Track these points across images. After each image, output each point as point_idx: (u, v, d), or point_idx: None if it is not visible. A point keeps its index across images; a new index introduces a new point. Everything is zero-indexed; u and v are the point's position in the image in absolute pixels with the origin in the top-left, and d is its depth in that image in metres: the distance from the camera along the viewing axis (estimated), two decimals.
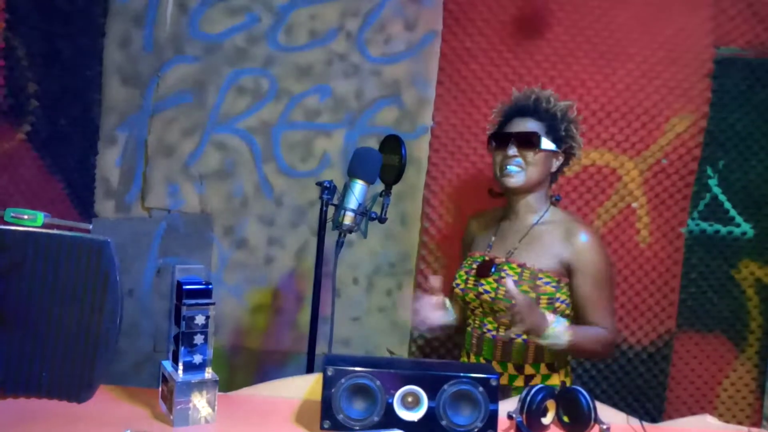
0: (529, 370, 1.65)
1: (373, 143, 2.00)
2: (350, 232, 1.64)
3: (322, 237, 1.67)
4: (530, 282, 1.62)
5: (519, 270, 1.65)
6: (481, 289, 1.67)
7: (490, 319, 1.68)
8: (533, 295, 1.61)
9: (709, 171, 2.17)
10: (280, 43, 2.25)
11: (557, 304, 1.63)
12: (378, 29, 2.24)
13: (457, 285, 1.74)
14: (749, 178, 2.17)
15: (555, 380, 1.67)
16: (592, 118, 2.16)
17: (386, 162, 1.72)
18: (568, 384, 1.71)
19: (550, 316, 1.53)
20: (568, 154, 1.74)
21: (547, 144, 1.67)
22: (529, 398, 1.32)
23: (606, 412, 1.37)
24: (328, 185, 1.67)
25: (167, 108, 2.25)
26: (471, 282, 1.70)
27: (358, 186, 1.64)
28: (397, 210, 2.24)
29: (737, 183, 2.17)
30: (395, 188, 1.76)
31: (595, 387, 2.20)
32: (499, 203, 1.82)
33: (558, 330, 1.52)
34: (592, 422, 1.30)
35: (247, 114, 2.26)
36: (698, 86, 2.13)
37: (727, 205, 2.19)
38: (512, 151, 1.66)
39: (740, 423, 2.17)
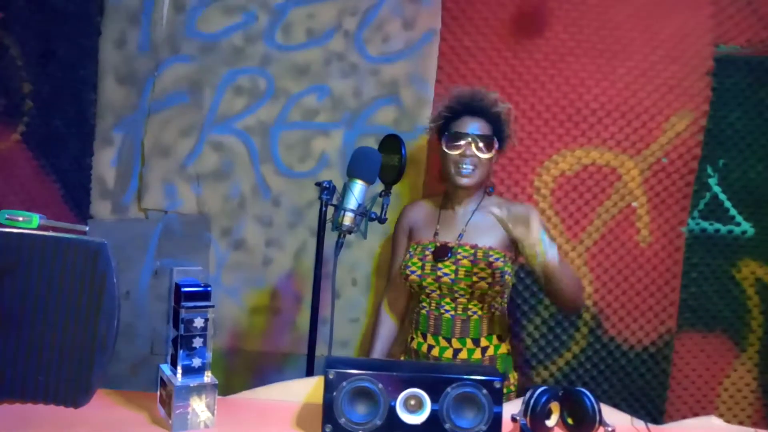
0: (484, 342, 1.80)
1: (372, 143, 1.99)
2: (350, 232, 1.62)
3: (322, 238, 1.65)
4: (484, 260, 1.76)
5: (472, 251, 1.79)
6: (440, 273, 1.78)
7: (447, 300, 1.79)
8: (489, 271, 1.75)
9: (710, 170, 2.17)
10: (278, 43, 2.23)
11: (507, 277, 1.78)
12: (376, 28, 2.23)
13: (413, 272, 1.81)
14: (749, 176, 2.16)
15: (503, 349, 1.83)
16: (592, 117, 2.15)
17: (386, 162, 1.71)
18: (510, 352, 1.87)
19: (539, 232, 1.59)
20: (503, 150, 1.89)
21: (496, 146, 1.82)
22: (533, 400, 1.31)
23: (610, 414, 1.35)
24: (327, 185, 1.65)
25: (164, 108, 2.23)
26: (428, 267, 1.79)
27: (358, 186, 1.62)
28: (396, 210, 2.22)
29: (737, 182, 2.17)
30: (395, 188, 1.75)
31: (596, 387, 2.19)
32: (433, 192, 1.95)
33: (547, 242, 1.58)
34: (597, 424, 1.29)
35: (245, 114, 2.24)
36: (698, 84, 2.13)
37: (728, 204, 2.18)
38: (469, 151, 1.78)
39: (741, 423, 2.16)
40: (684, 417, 1.93)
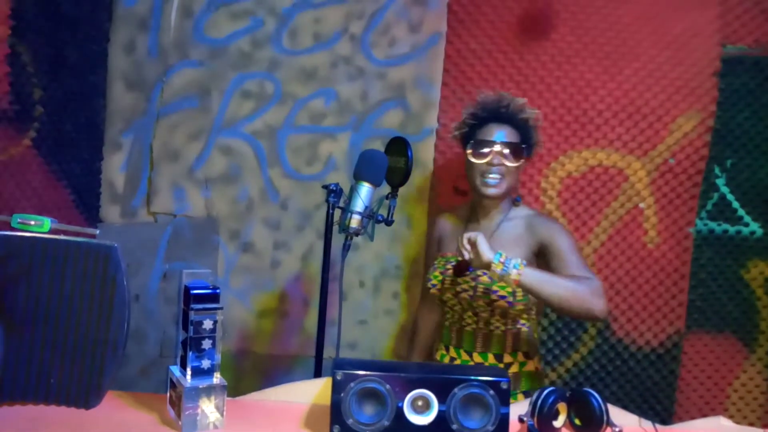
0: (507, 358, 1.74)
1: (379, 146, 2.00)
2: (357, 235, 1.63)
3: (329, 240, 1.66)
4: None
5: None
6: (458, 288, 1.74)
7: (469, 313, 1.75)
8: (509, 290, 1.68)
9: (717, 170, 2.16)
10: (285, 47, 2.25)
11: (530, 296, 1.68)
12: (382, 32, 2.24)
13: (434, 285, 1.79)
14: (758, 177, 2.15)
15: (530, 366, 1.75)
16: (599, 118, 2.15)
17: (392, 164, 1.72)
18: (540, 369, 1.80)
19: (490, 254, 1.56)
20: (531, 157, 1.83)
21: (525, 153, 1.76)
22: (540, 401, 1.31)
23: (618, 415, 1.35)
24: (334, 188, 1.66)
25: (172, 113, 2.25)
26: (448, 282, 1.76)
27: (365, 189, 1.63)
28: (403, 212, 2.23)
29: (746, 182, 2.16)
30: (401, 190, 1.75)
31: (604, 389, 2.19)
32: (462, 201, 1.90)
33: (504, 264, 1.55)
34: (604, 425, 1.29)
35: (253, 118, 2.26)
36: (705, 85, 2.12)
37: (736, 204, 2.17)
38: (497, 160, 1.71)
39: (751, 424, 2.15)
40: (693, 418, 1.92)
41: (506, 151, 1.71)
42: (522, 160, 1.74)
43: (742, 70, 2.12)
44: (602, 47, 2.14)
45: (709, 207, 2.17)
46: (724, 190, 2.16)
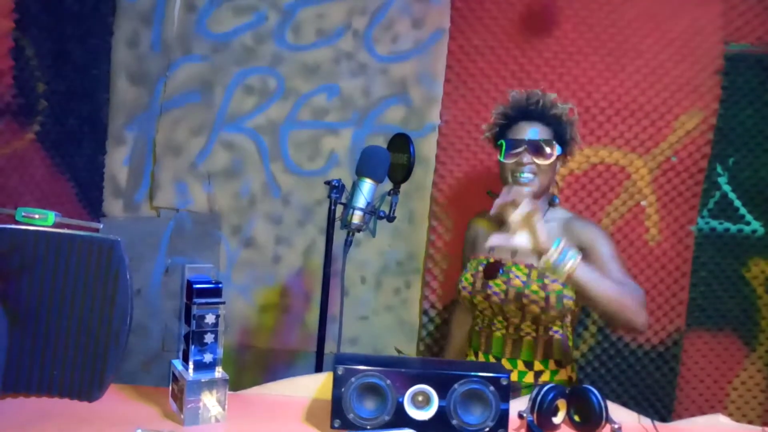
0: (538, 366, 1.67)
1: (381, 142, 2.00)
2: (359, 230, 1.64)
3: (331, 236, 1.67)
4: (539, 281, 1.64)
5: (527, 271, 1.66)
6: (489, 291, 1.69)
7: (499, 318, 1.70)
8: (542, 294, 1.62)
9: (719, 169, 2.16)
10: (288, 42, 2.25)
11: (565, 301, 1.63)
12: (385, 27, 2.24)
13: (464, 288, 1.75)
14: (760, 175, 2.15)
15: (563, 375, 1.69)
16: (601, 116, 2.15)
17: (394, 160, 1.72)
18: (574, 379, 1.73)
19: (549, 239, 1.42)
20: (568, 155, 1.76)
21: (557, 150, 1.68)
22: (539, 397, 1.31)
23: (617, 412, 1.36)
24: (336, 184, 1.66)
25: (175, 107, 2.25)
26: (479, 285, 1.71)
27: (367, 185, 1.63)
28: (405, 208, 2.24)
29: (747, 181, 2.15)
30: (403, 187, 1.76)
31: (604, 386, 2.19)
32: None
33: (562, 252, 1.41)
34: (604, 421, 1.29)
35: (255, 113, 2.26)
36: (708, 83, 2.12)
37: (737, 203, 2.17)
38: (527, 158, 1.65)
39: (751, 422, 2.14)
40: (693, 416, 1.92)
41: (537, 149, 1.65)
42: (554, 158, 1.66)
43: (745, 67, 2.11)
44: (605, 44, 2.13)
45: (710, 205, 2.17)
46: (726, 188, 2.16)
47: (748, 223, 2.17)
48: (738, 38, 2.11)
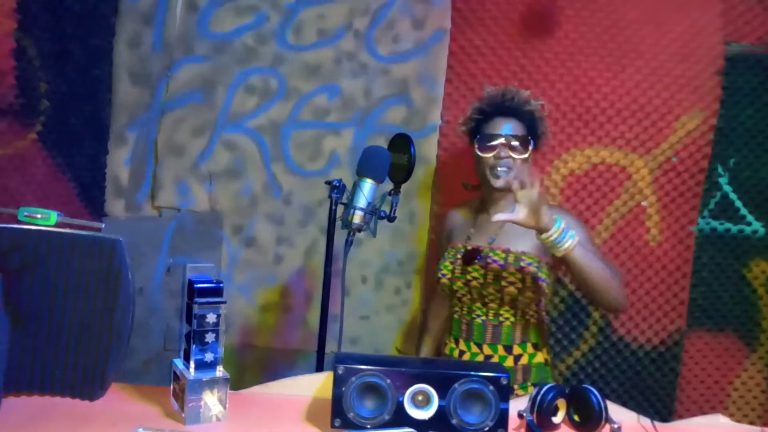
0: (517, 350, 1.76)
1: (382, 142, 2.00)
2: (359, 230, 1.64)
3: (332, 236, 1.67)
4: (515, 264, 1.72)
5: (504, 255, 1.75)
6: (469, 277, 1.76)
7: (478, 304, 1.77)
8: (519, 276, 1.70)
9: (720, 169, 2.16)
10: (289, 42, 2.25)
11: (539, 283, 1.71)
12: (386, 28, 2.24)
13: (444, 275, 1.81)
14: (760, 176, 2.15)
15: (540, 358, 1.77)
16: (602, 116, 2.15)
17: (395, 161, 1.72)
18: (549, 362, 1.82)
19: (552, 218, 1.54)
20: (538, 149, 1.85)
21: (531, 145, 1.77)
22: (539, 397, 1.32)
23: (617, 412, 1.36)
24: (337, 184, 1.67)
25: (177, 107, 2.26)
26: (458, 271, 1.78)
27: (367, 185, 1.63)
28: (405, 209, 2.24)
29: (748, 181, 2.16)
30: (404, 187, 1.76)
31: (604, 386, 2.19)
32: (472, 195, 1.93)
33: (563, 232, 1.54)
34: (603, 421, 1.30)
35: (257, 113, 2.27)
36: (709, 83, 2.12)
37: (738, 203, 2.17)
38: (504, 152, 1.74)
39: (752, 423, 2.15)
40: (693, 417, 1.92)
41: (513, 143, 1.74)
42: (529, 152, 1.76)
43: (745, 68, 2.12)
44: (606, 45, 2.14)
45: (711, 206, 2.17)
46: (727, 189, 2.17)
47: (749, 224, 2.17)
48: (738, 38, 2.11)
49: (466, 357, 1.78)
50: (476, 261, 1.75)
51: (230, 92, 2.26)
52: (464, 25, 2.20)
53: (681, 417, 2.16)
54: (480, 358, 1.76)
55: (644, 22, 2.12)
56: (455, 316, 1.83)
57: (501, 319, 1.75)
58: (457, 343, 1.81)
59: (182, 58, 2.25)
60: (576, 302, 2.20)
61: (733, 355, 2.21)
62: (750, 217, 2.17)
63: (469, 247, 1.79)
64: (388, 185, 1.72)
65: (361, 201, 1.62)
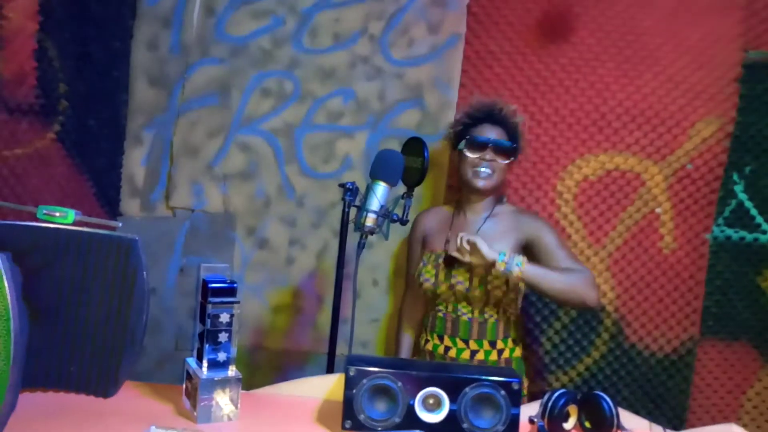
0: (500, 344, 1.85)
1: (396, 145, 2.01)
2: (372, 233, 1.64)
3: (344, 238, 1.68)
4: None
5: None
6: (454, 281, 1.82)
7: (464, 303, 1.84)
8: (503, 279, 1.79)
9: (735, 177, 2.14)
10: (305, 46, 2.27)
11: (521, 284, 1.81)
12: (401, 32, 2.25)
13: (427, 280, 1.86)
14: None
15: (518, 353, 1.88)
16: (617, 122, 2.14)
17: (408, 164, 1.73)
18: (525, 356, 1.94)
19: (494, 254, 1.68)
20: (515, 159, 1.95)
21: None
22: (551, 403, 1.31)
23: (629, 419, 1.35)
24: (350, 187, 1.68)
25: (193, 109, 2.28)
26: (442, 276, 1.84)
27: (380, 188, 1.64)
28: (418, 212, 2.24)
29: (764, 189, 2.13)
30: (417, 190, 1.76)
31: (616, 394, 2.18)
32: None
33: (508, 263, 1.67)
34: (615, 428, 1.29)
35: (271, 116, 2.28)
36: (726, 90, 2.10)
37: (754, 211, 2.15)
38: (489, 156, 1.83)
39: None
40: (706, 426, 1.90)
41: (499, 148, 1.84)
42: (512, 159, 1.87)
43: (764, 75, 2.10)
44: (622, 51, 2.13)
45: (726, 213, 2.15)
46: (742, 197, 2.15)
47: (764, 232, 2.15)
48: (758, 45, 2.09)
49: (452, 353, 1.84)
50: (456, 265, 1.81)
51: (245, 95, 2.28)
52: (479, 30, 2.21)
53: (693, 426, 2.14)
54: (466, 353, 1.82)
55: (661, 29, 2.11)
56: (439, 314, 1.87)
57: (486, 316, 1.83)
58: (441, 339, 1.86)
59: (199, 61, 2.27)
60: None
61: (747, 365, 2.19)
62: (765, 226, 2.15)
63: (449, 254, 1.84)
64: (401, 188, 1.73)
65: (374, 204, 1.63)
